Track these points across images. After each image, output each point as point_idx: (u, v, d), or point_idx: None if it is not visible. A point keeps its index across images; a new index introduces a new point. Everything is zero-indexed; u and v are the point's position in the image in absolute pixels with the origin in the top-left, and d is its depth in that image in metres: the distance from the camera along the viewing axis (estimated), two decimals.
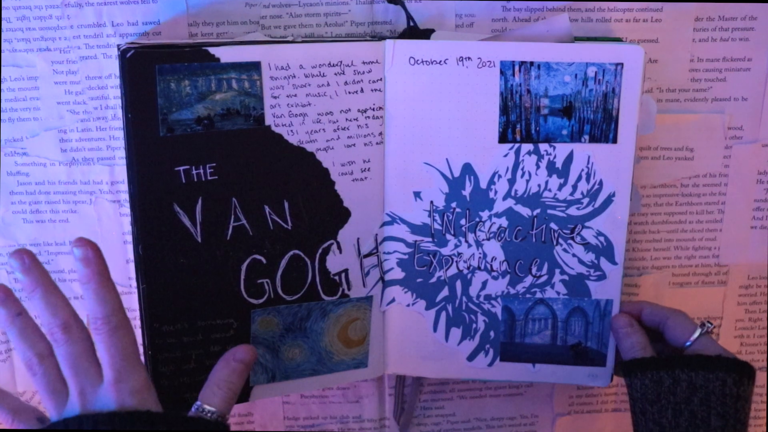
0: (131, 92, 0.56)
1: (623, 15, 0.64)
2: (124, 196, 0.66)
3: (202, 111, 0.58)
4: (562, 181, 0.63)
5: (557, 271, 0.65)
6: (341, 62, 0.60)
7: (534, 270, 0.65)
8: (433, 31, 0.63)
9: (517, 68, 0.60)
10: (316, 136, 0.61)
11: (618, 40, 0.64)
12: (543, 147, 0.62)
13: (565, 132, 0.62)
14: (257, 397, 0.66)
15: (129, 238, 0.66)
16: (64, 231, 0.67)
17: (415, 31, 0.62)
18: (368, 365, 0.68)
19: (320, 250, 0.63)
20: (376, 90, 0.61)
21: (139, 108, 0.56)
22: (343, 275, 0.65)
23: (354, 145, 0.62)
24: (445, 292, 0.66)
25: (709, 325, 0.61)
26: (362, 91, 0.61)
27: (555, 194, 0.63)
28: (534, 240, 0.65)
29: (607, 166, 0.62)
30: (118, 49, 0.57)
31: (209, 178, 0.59)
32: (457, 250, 0.65)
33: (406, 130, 0.63)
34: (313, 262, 0.63)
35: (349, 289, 0.65)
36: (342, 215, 0.63)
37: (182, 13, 0.62)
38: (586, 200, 0.63)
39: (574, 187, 0.63)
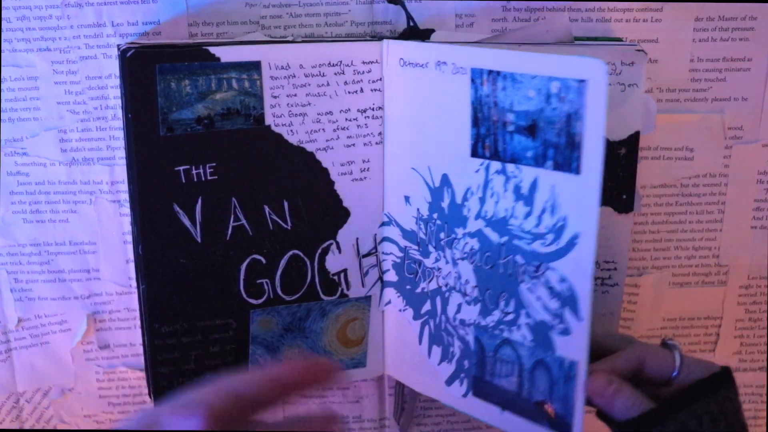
0: (131, 92, 0.56)
1: (623, 15, 0.64)
2: (124, 196, 0.66)
3: (203, 111, 0.58)
4: (528, 209, 0.55)
5: (523, 312, 0.57)
6: (341, 62, 0.60)
7: (502, 304, 0.58)
8: (433, 31, 0.63)
9: (485, 77, 0.55)
10: (315, 136, 0.61)
11: (618, 39, 0.64)
12: (510, 168, 0.55)
13: (529, 154, 0.54)
14: None
15: (129, 238, 0.66)
16: (64, 231, 0.67)
17: (415, 31, 0.62)
18: (367, 365, 0.68)
19: (320, 250, 0.63)
20: (375, 90, 0.61)
21: (139, 108, 0.56)
22: (342, 275, 0.65)
23: (354, 145, 0.62)
24: (428, 305, 0.64)
25: (673, 342, 0.57)
26: (362, 91, 0.61)
27: (521, 223, 0.56)
28: (501, 270, 0.58)
29: (571, 201, 0.53)
30: (118, 49, 0.57)
31: (209, 177, 0.59)
32: (437, 264, 0.62)
33: (399, 132, 0.62)
34: (312, 262, 0.63)
35: (348, 289, 0.65)
36: (341, 215, 0.63)
37: (182, 13, 0.62)
38: (550, 236, 0.54)
39: (539, 219, 0.54)
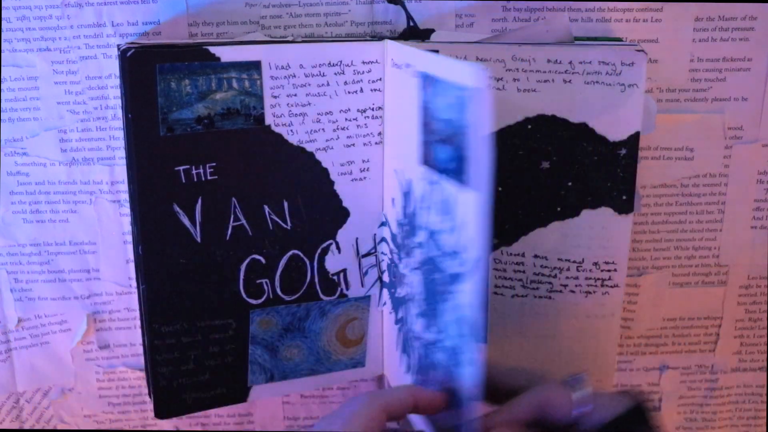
0: (131, 92, 0.56)
1: (623, 15, 0.64)
2: (124, 196, 0.66)
3: (203, 110, 0.58)
4: (450, 225, 0.50)
5: (445, 333, 0.52)
6: (341, 62, 0.60)
7: (436, 321, 0.53)
8: (433, 31, 0.63)
9: (427, 81, 0.51)
10: (315, 136, 0.61)
11: (618, 39, 0.64)
12: (441, 178, 0.51)
13: (450, 166, 0.49)
14: (256, 397, 0.66)
15: (129, 238, 0.66)
16: (64, 231, 0.67)
17: (415, 31, 0.62)
18: (366, 365, 0.68)
19: (319, 250, 0.63)
20: (375, 90, 0.61)
21: (139, 108, 0.56)
22: (341, 275, 0.65)
23: (353, 145, 0.62)
24: (402, 311, 0.62)
25: (576, 379, 0.52)
26: (362, 90, 0.61)
27: (446, 238, 0.51)
28: (435, 286, 0.53)
29: (470, 222, 0.47)
30: (118, 49, 0.57)
31: (209, 177, 0.59)
32: (404, 271, 0.59)
33: (391, 132, 0.62)
34: (312, 262, 0.63)
35: (347, 289, 0.65)
36: (341, 215, 0.63)
37: (182, 13, 0.62)
38: (462, 256, 0.49)
39: (457, 236, 0.49)
